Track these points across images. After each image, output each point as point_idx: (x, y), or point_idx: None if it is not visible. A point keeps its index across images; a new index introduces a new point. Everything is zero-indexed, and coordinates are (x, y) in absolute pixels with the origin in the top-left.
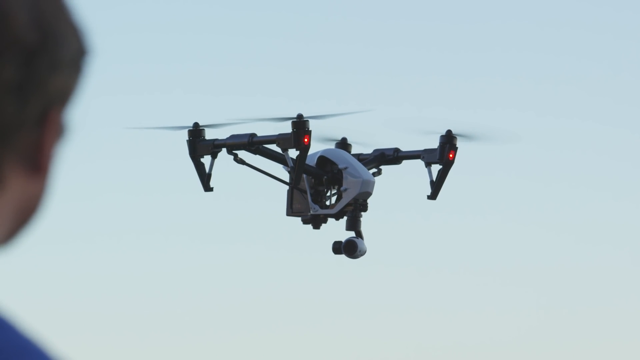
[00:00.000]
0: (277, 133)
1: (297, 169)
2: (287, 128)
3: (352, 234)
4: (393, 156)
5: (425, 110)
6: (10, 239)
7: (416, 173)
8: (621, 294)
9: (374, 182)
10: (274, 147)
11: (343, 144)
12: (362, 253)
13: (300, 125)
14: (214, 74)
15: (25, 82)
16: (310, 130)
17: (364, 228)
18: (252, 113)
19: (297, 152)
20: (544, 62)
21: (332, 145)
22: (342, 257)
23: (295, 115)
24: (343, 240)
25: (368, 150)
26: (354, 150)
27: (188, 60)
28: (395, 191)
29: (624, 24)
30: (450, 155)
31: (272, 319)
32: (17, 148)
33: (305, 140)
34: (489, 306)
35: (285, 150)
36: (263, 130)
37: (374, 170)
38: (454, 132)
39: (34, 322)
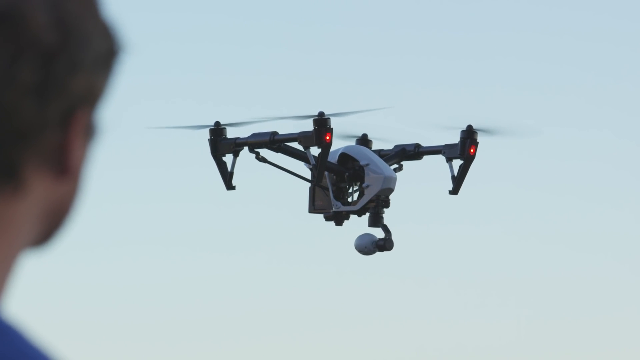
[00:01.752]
0: (298, 131)
1: (319, 166)
2: (308, 126)
3: (376, 230)
4: (414, 152)
5: (446, 106)
6: (43, 242)
7: (437, 168)
8: (620, 302)
9: (395, 179)
10: (295, 145)
11: (364, 140)
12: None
13: (322, 122)
14: (235, 75)
15: (44, 84)
16: (332, 128)
17: (386, 223)
18: (273, 112)
19: (319, 150)
20: (547, 70)
21: (352, 142)
22: (360, 256)
23: (316, 113)
24: (377, 238)
25: (389, 146)
26: (374, 147)
27: (208, 62)
28: (417, 186)
29: (624, 31)
30: (471, 150)
31: (294, 316)
32: (40, 150)
33: (327, 137)
34: (495, 312)
35: (307, 147)
36: (284, 128)
37: (395, 166)
38: (474, 127)
39: (40, 330)
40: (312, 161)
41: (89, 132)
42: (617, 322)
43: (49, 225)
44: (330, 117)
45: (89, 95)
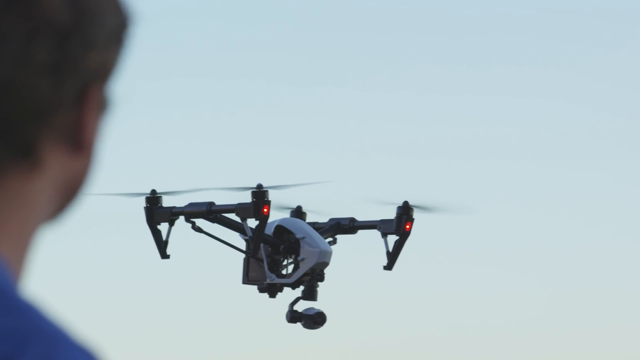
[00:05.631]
0: (235, 202)
1: (255, 238)
2: (244, 197)
3: (311, 303)
4: (349, 226)
5: (383, 181)
6: (57, 216)
7: (372, 243)
8: (623, 277)
9: (331, 252)
10: (232, 216)
11: (298, 213)
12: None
13: (260, 195)
14: (172, 142)
15: (60, 63)
16: (270, 201)
17: (320, 297)
18: (209, 182)
19: (257, 222)
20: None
21: (287, 214)
22: (298, 326)
23: (254, 185)
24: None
25: (324, 219)
26: (309, 219)
27: (147, 127)
28: (352, 261)
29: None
30: (407, 227)
31: None
32: (56, 127)
33: (265, 210)
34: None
35: (244, 219)
36: (220, 199)
37: (330, 239)
38: (410, 203)
39: (57, 307)
40: (249, 233)
41: (101, 106)
42: (621, 295)
43: (63, 200)
44: (268, 190)
45: (102, 70)
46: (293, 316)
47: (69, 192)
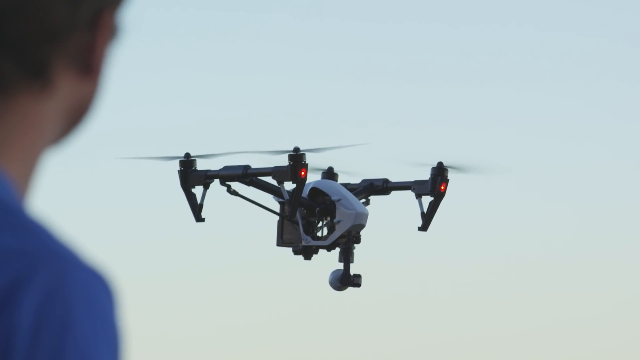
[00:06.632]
0: (271, 166)
1: (293, 201)
2: (281, 161)
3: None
4: (382, 187)
5: (418, 142)
6: (63, 138)
7: (405, 204)
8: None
9: (367, 215)
10: (267, 179)
11: (330, 174)
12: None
13: (297, 158)
14: (207, 106)
15: None
16: (307, 164)
17: (356, 260)
18: (242, 146)
19: (293, 185)
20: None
21: (318, 176)
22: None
23: (291, 149)
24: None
25: (355, 180)
26: (340, 180)
27: (180, 89)
28: (386, 222)
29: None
30: (442, 188)
31: (263, 348)
32: (69, 50)
33: (302, 173)
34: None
35: (280, 182)
36: (253, 162)
37: (363, 200)
38: (445, 164)
39: (64, 226)
40: (286, 196)
41: (112, 32)
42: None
43: (70, 123)
44: (305, 153)
45: None
46: (344, 278)
47: (75, 116)
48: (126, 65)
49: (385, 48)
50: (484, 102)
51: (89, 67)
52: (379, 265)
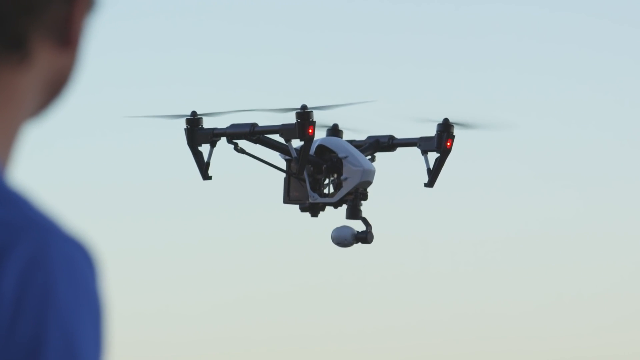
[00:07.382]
0: (278, 123)
1: (301, 159)
2: (288, 119)
3: (354, 222)
4: (388, 143)
5: (423, 99)
6: (41, 111)
7: (410, 160)
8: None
9: (374, 171)
10: (275, 137)
11: (335, 131)
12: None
13: (305, 116)
14: (213, 64)
15: None
16: (315, 121)
17: (364, 216)
18: (251, 104)
19: (301, 143)
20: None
21: (323, 133)
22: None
23: (298, 106)
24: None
25: (361, 137)
26: (345, 137)
27: (188, 48)
28: (392, 179)
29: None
30: (448, 144)
31: (271, 306)
32: (47, 22)
33: (310, 131)
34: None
35: (288, 140)
36: (260, 120)
37: (369, 157)
38: (451, 120)
39: (44, 196)
40: (294, 154)
41: (90, 5)
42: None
43: (48, 96)
44: (313, 111)
45: None
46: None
47: (53, 88)
48: (129, 18)
49: (392, 9)
50: (486, 51)
51: (67, 39)
52: (387, 222)
